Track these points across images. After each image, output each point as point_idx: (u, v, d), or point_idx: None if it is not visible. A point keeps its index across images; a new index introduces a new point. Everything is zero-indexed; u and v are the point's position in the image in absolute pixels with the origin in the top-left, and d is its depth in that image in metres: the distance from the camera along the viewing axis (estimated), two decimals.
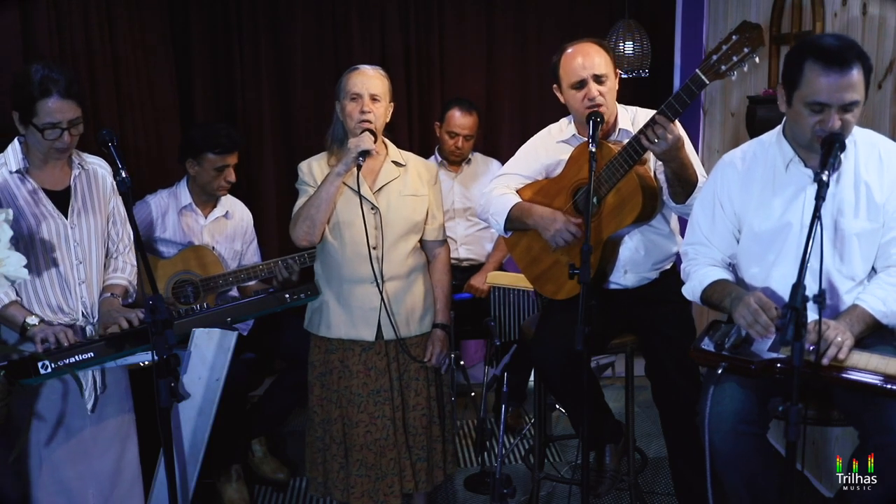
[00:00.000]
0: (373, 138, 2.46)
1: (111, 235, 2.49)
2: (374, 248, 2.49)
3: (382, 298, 2.50)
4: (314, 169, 2.57)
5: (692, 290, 2.24)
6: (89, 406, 2.37)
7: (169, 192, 3.19)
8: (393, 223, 2.52)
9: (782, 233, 2.11)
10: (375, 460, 2.55)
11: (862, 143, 2.09)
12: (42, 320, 2.27)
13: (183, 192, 3.17)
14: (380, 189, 2.53)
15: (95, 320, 2.40)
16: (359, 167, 2.43)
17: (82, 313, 2.38)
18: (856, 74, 1.91)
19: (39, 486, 2.35)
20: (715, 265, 2.22)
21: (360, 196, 2.45)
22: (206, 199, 3.20)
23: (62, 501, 2.38)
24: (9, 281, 1.95)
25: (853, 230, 2.07)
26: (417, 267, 2.61)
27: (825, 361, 1.87)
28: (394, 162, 2.58)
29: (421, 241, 2.62)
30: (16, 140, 2.33)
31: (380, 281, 2.49)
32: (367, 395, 2.55)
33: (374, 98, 2.48)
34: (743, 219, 2.19)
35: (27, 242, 2.27)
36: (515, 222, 2.65)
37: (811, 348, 1.83)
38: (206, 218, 3.19)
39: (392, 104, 2.57)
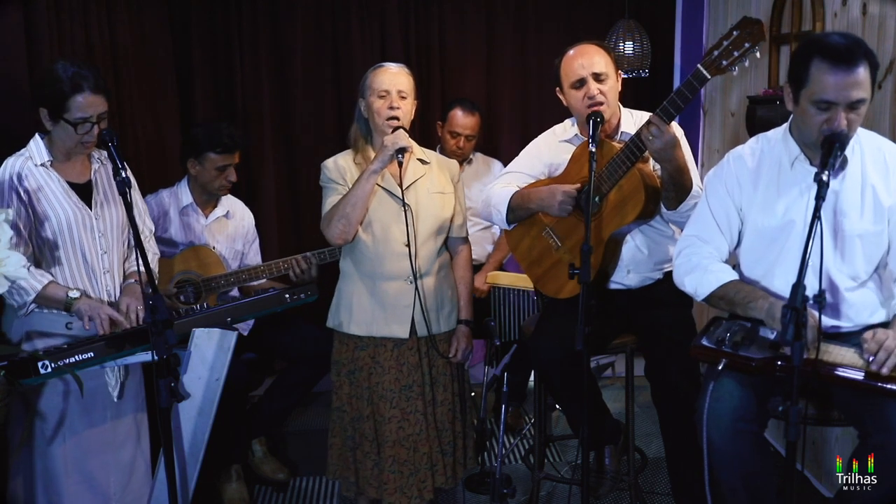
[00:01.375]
0: (407, 135, 2.47)
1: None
2: (407, 246, 2.49)
3: (418, 295, 2.50)
4: (341, 166, 2.57)
5: (699, 281, 2.16)
6: (115, 394, 2.42)
7: (170, 192, 3.19)
8: (424, 221, 2.53)
9: (785, 231, 2.11)
10: (408, 456, 2.56)
11: (868, 145, 2.09)
12: (83, 293, 2.32)
13: (184, 192, 3.17)
14: (408, 187, 2.53)
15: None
16: (400, 164, 2.44)
17: (108, 302, 2.42)
18: (863, 72, 1.91)
19: (65, 477, 2.38)
20: (723, 260, 2.20)
21: (403, 193, 2.47)
22: (207, 199, 3.20)
23: (86, 490, 2.42)
24: (9, 281, 1.96)
25: (856, 231, 2.06)
26: (444, 264, 2.63)
27: (885, 371, 1.87)
28: (419, 159, 2.59)
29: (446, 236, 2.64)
30: (37, 135, 2.38)
31: (416, 278, 2.50)
32: (398, 390, 2.55)
33: (401, 95, 2.49)
34: (747, 215, 2.18)
35: (57, 233, 2.33)
36: (518, 210, 2.65)
37: (871, 359, 1.88)
38: (206, 218, 3.19)
39: (416, 101, 2.57)
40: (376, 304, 2.53)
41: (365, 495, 2.63)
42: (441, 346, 2.60)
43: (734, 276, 2.15)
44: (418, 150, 2.62)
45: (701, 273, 2.18)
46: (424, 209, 2.53)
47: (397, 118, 2.47)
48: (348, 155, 2.59)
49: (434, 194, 2.56)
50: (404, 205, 2.47)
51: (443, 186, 2.59)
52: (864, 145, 2.09)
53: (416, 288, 2.50)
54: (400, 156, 2.43)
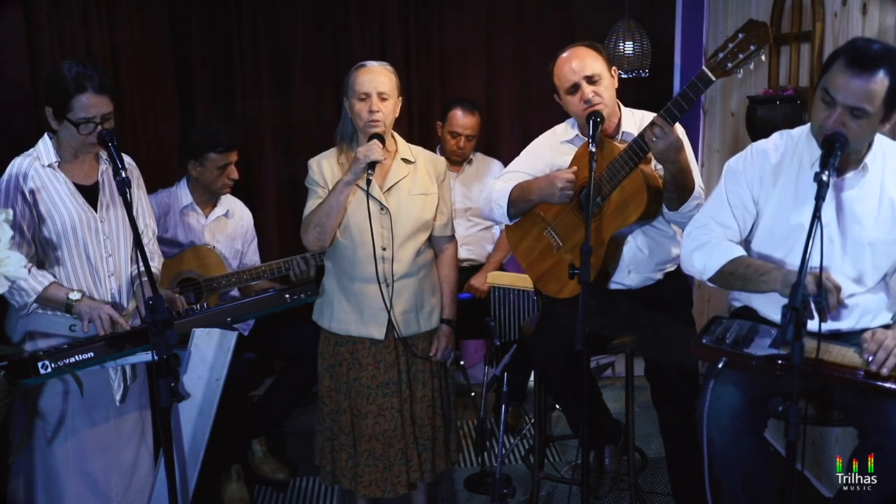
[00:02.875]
0: (381, 146, 2.45)
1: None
2: (384, 249, 2.49)
3: (390, 299, 2.50)
4: (324, 168, 2.56)
5: (708, 256, 2.13)
6: (118, 397, 2.42)
7: (169, 192, 3.19)
8: (403, 223, 2.52)
9: (797, 231, 2.09)
10: (383, 451, 2.58)
11: (891, 157, 2.09)
12: (84, 294, 2.30)
13: (183, 192, 3.17)
14: (389, 189, 2.53)
15: (123, 312, 2.43)
16: (368, 181, 2.43)
17: (112, 305, 2.41)
18: (876, 83, 1.89)
19: (66, 477, 2.38)
20: (733, 240, 2.17)
21: (369, 200, 2.45)
22: (208, 199, 3.20)
23: (87, 491, 2.42)
24: (9, 281, 1.96)
25: (867, 239, 2.06)
26: (426, 264, 2.62)
27: (884, 371, 1.87)
28: (403, 159, 2.58)
29: (429, 236, 2.63)
30: (46, 135, 2.38)
31: (389, 282, 2.51)
32: (375, 387, 2.56)
33: (382, 97, 2.47)
34: (763, 211, 2.17)
35: (61, 234, 2.32)
36: (519, 203, 2.65)
37: (871, 359, 1.88)
38: (206, 217, 3.19)
39: (401, 98, 2.56)
40: (354, 306, 2.55)
41: (357, 492, 2.64)
42: (422, 346, 2.61)
43: (743, 252, 2.13)
44: (403, 149, 2.60)
45: (710, 249, 2.14)
46: (404, 211, 2.52)
47: (377, 121, 2.46)
48: (332, 155, 2.59)
49: (415, 196, 2.55)
50: (369, 210, 2.45)
51: (426, 187, 2.58)
52: (888, 156, 2.08)
53: (385, 294, 2.49)
54: (371, 170, 2.41)
